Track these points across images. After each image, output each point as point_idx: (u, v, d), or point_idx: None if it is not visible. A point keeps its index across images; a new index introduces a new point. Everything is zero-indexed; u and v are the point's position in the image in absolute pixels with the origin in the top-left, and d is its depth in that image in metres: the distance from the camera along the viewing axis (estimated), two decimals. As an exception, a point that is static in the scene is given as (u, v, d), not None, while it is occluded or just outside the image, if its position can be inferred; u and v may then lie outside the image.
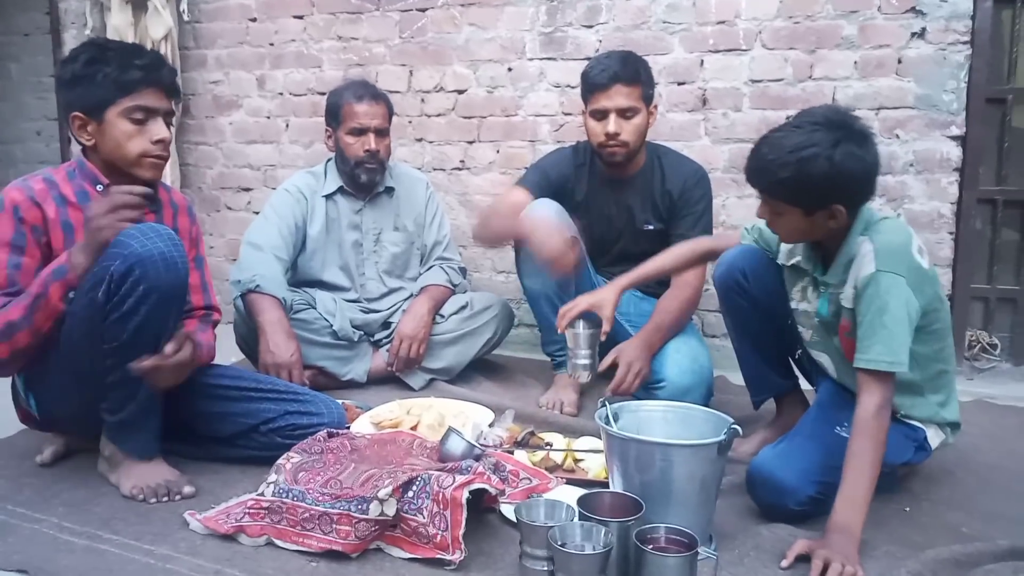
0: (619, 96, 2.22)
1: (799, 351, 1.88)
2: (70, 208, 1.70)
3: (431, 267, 2.68)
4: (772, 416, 1.99)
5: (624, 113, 2.23)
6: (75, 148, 3.64)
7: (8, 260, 1.63)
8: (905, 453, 1.67)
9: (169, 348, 1.61)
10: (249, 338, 2.38)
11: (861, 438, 1.42)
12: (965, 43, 2.52)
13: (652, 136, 2.82)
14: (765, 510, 1.59)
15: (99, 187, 1.73)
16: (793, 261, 1.74)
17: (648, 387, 2.16)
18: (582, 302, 1.97)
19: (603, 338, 1.99)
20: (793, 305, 1.77)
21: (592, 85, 2.25)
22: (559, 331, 2.02)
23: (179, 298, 1.64)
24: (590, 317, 1.99)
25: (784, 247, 1.78)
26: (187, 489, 1.66)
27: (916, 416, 1.68)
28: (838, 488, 1.42)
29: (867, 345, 1.47)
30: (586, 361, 2.02)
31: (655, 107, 2.32)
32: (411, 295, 2.61)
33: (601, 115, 2.24)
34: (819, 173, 1.47)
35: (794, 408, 1.92)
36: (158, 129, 1.70)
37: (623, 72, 2.21)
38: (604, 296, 1.98)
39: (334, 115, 2.55)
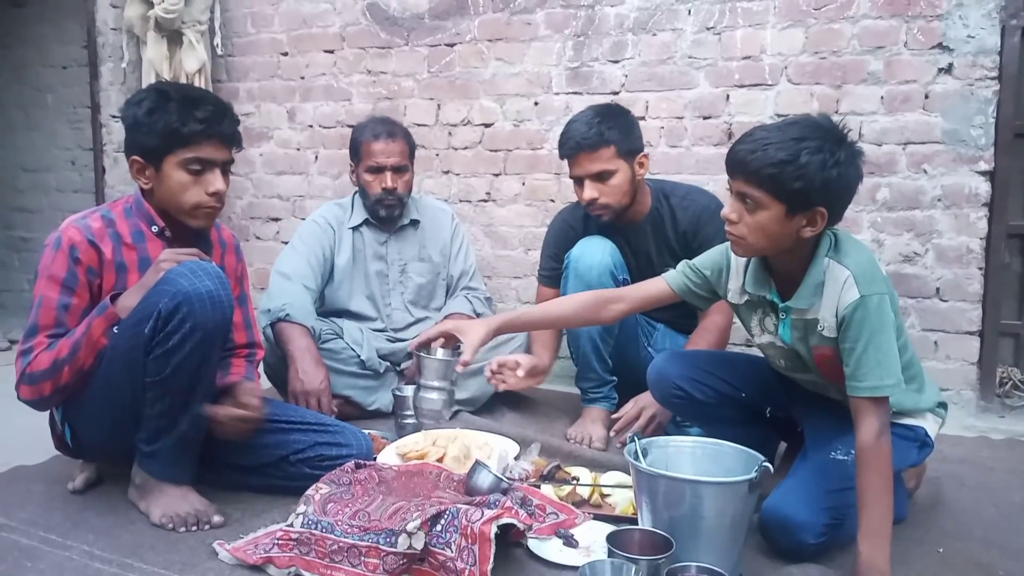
0: (586, 163, 2.18)
1: (768, 409, 1.84)
2: (124, 248, 1.73)
3: (456, 296, 2.70)
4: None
5: (598, 177, 2.18)
6: (109, 178, 3.75)
7: (58, 300, 1.66)
8: (909, 457, 1.65)
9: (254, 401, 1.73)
10: (277, 366, 2.40)
11: (868, 471, 1.40)
12: (993, 78, 2.51)
13: (676, 170, 2.86)
14: (787, 553, 1.53)
15: (154, 228, 1.76)
16: (746, 298, 1.66)
17: (680, 425, 2.14)
18: (438, 327, 1.78)
19: (459, 369, 1.72)
20: (756, 340, 1.71)
21: (561, 153, 2.23)
22: (409, 348, 1.81)
23: (223, 336, 1.67)
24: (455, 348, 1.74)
25: (734, 285, 1.67)
26: (216, 519, 1.67)
27: (913, 410, 1.65)
28: (849, 509, 1.42)
29: (864, 372, 1.43)
30: (434, 396, 1.79)
31: (644, 156, 2.25)
32: (437, 325, 2.63)
33: (578, 181, 2.22)
34: (817, 164, 1.38)
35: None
36: (214, 180, 1.71)
37: (585, 141, 2.16)
38: (470, 326, 1.75)
39: (355, 151, 2.59)
